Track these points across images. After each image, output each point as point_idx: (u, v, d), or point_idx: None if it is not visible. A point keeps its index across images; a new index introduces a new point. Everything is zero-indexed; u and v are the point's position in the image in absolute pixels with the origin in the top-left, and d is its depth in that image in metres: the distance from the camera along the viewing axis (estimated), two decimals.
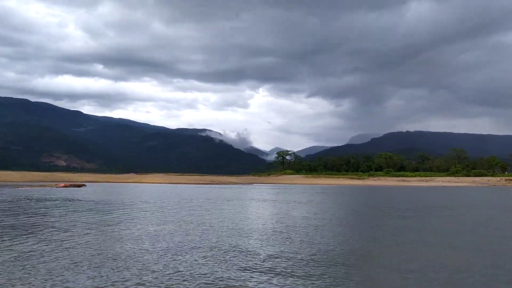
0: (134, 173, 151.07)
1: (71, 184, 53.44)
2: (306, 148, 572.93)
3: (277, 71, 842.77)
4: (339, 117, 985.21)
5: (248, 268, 9.56)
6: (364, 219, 21.32)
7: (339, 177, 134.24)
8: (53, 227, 15.33)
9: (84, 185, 55.94)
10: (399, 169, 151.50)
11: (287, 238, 13.82)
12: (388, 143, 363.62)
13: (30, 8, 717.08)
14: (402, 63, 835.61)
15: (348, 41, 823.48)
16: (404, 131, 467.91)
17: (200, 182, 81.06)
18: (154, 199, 32.04)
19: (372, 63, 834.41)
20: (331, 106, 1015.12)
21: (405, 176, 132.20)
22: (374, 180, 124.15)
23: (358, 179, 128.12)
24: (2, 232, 13.99)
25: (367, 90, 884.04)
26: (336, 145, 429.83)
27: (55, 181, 63.48)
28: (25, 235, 13.46)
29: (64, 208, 23.37)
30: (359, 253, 11.52)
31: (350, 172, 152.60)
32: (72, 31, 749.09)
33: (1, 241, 12.28)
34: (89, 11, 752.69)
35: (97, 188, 51.56)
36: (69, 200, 28.98)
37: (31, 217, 18.50)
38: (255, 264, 10.00)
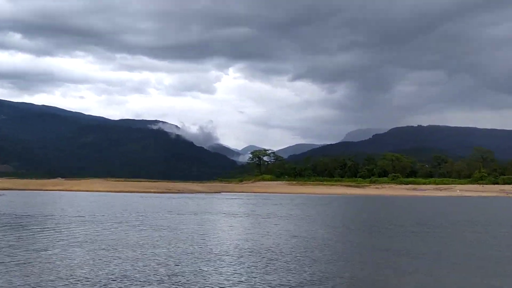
0: (62, 178, 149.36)
1: None
2: (290, 147, 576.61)
3: (252, 46, 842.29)
4: (332, 107, 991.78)
5: None
6: (365, 241, 21.74)
7: (332, 185, 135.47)
8: None
9: None
10: (408, 174, 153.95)
11: (266, 265, 14.05)
12: (394, 141, 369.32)
13: None
14: (413, 39, 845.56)
15: (345, 9, 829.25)
16: (415, 125, 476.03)
17: (152, 191, 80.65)
18: (90, 214, 31.85)
19: (375, 37, 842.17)
20: (323, 92, 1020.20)
21: (417, 183, 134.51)
22: (377, 188, 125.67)
23: (357, 187, 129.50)
24: None
25: (368, 72, 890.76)
26: (328, 143, 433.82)
27: None
28: None
29: None
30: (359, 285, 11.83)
31: (347, 178, 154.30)
32: None
33: None
34: None
35: (14, 198, 50.84)
36: None
37: None
38: None
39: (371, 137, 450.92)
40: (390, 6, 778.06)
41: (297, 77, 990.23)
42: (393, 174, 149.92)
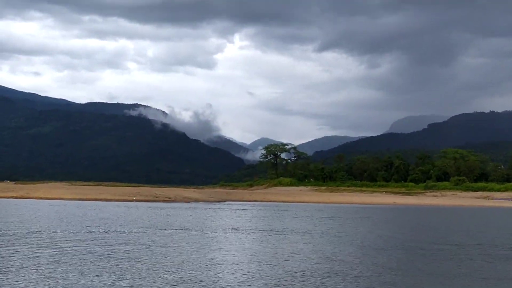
0: (11, 181, 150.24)
1: None
2: (316, 140, 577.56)
3: (266, 4, 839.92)
4: (374, 87, 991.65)
5: None
6: (425, 268, 21.85)
7: (374, 191, 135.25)
8: None
9: None
10: (477, 177, 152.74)
11: None
12: (457, 132, 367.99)
13: None
14: None
15: None
16: (487, 111, 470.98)
17: (134, 199, 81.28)
18: (56, 229, 32.28)
19: None
20: (361, 67, 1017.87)
21: (489, 190, 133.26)
22: (435, 196, 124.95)
23: (408, 194, 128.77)
24: None
25: (422, 40, 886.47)
26: (368, 135, 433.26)
27: None
28: None
29: None
30: None
31: (394, 183, 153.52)
32: None
33: None
34: None
35: None
36: None
37: None
38: None
39: (426, 127, 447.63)
40: None
41: (327, 46, 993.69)
42: (457, 177, 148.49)
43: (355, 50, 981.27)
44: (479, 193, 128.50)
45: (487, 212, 74.27)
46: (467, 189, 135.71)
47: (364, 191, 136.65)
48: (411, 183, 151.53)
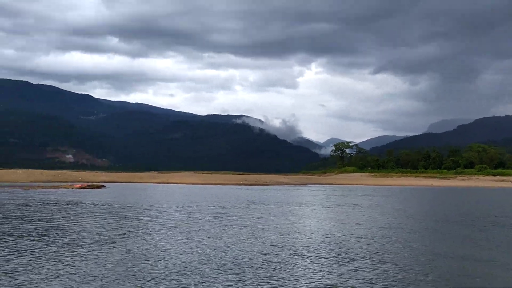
0: (155, 171, 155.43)
1: (89, 185, 56.34)
2: (372, 139, 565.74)
3: (334, 41, 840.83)
4: (415, 99, 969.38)
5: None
6: (458, 233, 21.88)
7: (416, 176, 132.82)
8: (78, 238, 17.04)
9: (104, 186, 58.83)
10: (496, 165, 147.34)
11: (360, 251, 14.81)
12: (481, 131, 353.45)
13: None
14: (499, 25, 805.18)
15: (426, 0, 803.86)
16: (503, 115, 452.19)
17: (242, 183, 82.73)
18: (207, 204, 33.59)
19: (458, 26, 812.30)
20: (405, 84, 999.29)
21: (505, 175, 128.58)
22: (463, 179, 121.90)
23: (442, 178, 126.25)
24: (18, 241, 15.78)
25: (452, 62, 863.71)
26: (411, 135, 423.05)
27: (68, 181, 66.91)
28: (45, 245, 15.18)
29: (95, 214, 25.31)
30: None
31: (431, 170, 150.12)
32: None
33: (16, 251, 13.99)
34: None
35: (119, 189, 54.10)
36: (94, 205, 31.04)
37: (49, 224, 20.40)
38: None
39: (455, 128, 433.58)
40: None
41: (379, 70, 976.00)
42: (480, 165, 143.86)
43: (400, 72, 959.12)
44: (497, 177, 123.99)
45: (504, 191, 71.85)
46: (488, 174, 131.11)
47: (409, 176, 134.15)
48: (444, 170, 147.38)
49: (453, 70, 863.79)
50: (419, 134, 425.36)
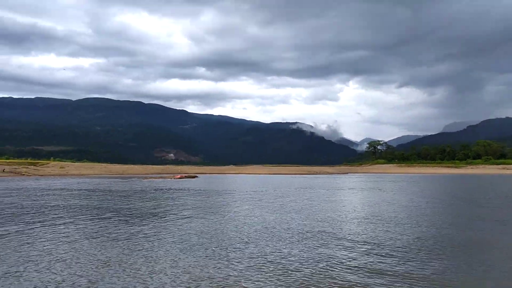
0: (234, 165, 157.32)
1: (186, 176, 58.06)
2: (398, 138, 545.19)
3: (367, 64, 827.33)
4: (432, 106, 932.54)
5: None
6: (470, 212, 21.11)
7: (434, 166, 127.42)
8: (180, 213, 17.80)
9: (197, 176, 60.47)
10: (499, 157, 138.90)
11: (389, 223, 14.66)
12: (486, 130, 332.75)
13: (143, 22, 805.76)
14: (498, 47, 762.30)
15: (439, 28, 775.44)
16: (504, 117, 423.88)
17: (299, 173, 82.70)
18: (273, 188, 34.09)
19: (466, 48, 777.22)
20: (424, 95, 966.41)
21: (506, 164, 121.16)
22: (472, 168, 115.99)
23: (455, 167, 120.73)
24: (144, 217, 16.70)
25: (462, 77, 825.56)
26: (429, 134, 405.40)
27: (171, 173, 69.28)
28: (166, 221, 15.98)
29: (192, 196, 26.31)
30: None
31: (446, 161, 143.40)
32: (178, 39, 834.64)
33: (143, 224, 14.80)
34: (193, 20, 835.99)
35: (208, 178, 55.53)
36: (190, 190, 32.15)
37: (162, 203, 21.43)
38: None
39: (465, 128, 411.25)
40: (477, 23, 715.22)
41: (403, 84, 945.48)
42: (485, 157, 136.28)
43: (420, 86, 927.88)
44: (500, 166, 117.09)
45: (505, 177, 67.80)
46: (492, 164, 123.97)
47: (428, 166, 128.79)
48: (457, 161, 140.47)
49: (463, 83, 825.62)
50: (436, 133, 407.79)
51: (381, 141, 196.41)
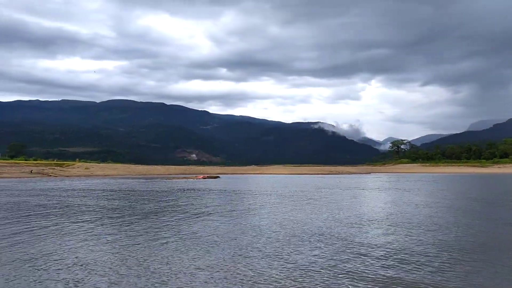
0: (255, 165, 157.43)
1: (208, 176, 58.53)
2: (421, 137, 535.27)
3: (389, 62, 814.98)
4: (457, 104, 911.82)
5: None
6: (487, 211, 20.64)
7: (459, 165, 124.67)
8: (202, 211, 17.97)
9: (219, 176, 60.86)
10: None
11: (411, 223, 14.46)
12: None
13: (165, 24, 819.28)
14: None
15: (463, 26, 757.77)
16: None
17: (320, 172, 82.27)
18: (293, 189, 34.06)
19: (490, 45, 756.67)
20: (448, 93, 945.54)
21: None
22: (499, 167, 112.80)
23: (481, 166, 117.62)
24: (164, 211, 16.94)
25: (486, 74, 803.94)
26: (454, 133, 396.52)
27: (193, 174, 69.92)
28: (194, 221, 16.16)
29: (216, 196, 26.51)
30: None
31: (472, 160, 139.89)
32: (199, 40, 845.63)
33: (161, 217, 15.01)
34: (214, 22, 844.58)
35: (230, 179, 55.81)
36: (212, 190, 32.40)
37: (185, 202, 21.66)
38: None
39: (491, 126, 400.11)
40: (500, 18, 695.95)
41: (427, 83, 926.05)
42: None
43: (444, 84, 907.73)
44: None
45: None
46: None
47: (453, 165, 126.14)
48: (483, 160, 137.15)
49: (488, 80, 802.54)
50: (461, 132, 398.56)
51: (404, 140, 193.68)
